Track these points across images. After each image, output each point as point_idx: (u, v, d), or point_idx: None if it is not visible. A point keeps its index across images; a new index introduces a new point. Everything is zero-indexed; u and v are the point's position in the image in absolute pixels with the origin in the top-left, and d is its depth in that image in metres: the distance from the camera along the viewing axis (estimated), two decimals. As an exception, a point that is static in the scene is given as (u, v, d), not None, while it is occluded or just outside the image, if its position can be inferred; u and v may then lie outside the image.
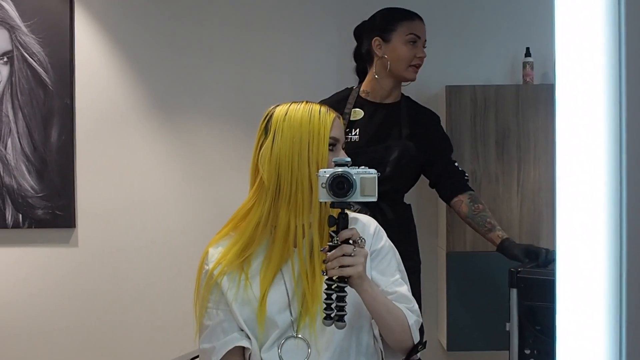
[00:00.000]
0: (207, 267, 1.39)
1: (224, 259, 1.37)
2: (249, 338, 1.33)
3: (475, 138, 2.59)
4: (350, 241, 1.22)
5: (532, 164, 2.58)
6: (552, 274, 1.23)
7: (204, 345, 1.37)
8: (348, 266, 1.21)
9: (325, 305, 1.22)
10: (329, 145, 1.35)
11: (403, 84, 2.20)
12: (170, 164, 2.81)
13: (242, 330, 1.34)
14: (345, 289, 1.22)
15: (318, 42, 2.83)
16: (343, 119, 2.12)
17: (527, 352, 1.31)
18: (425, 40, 2.16)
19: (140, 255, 2.80)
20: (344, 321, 1.22)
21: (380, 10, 2.19)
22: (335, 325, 1.22)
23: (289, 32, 2.83)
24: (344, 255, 1.21)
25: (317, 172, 1.27)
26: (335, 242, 1.22)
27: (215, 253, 1.40)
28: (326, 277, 1.23)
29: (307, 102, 1.40)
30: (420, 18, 2.16)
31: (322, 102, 2.20)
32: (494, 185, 2.59)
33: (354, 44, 2.28)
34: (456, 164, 2.21)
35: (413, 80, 2.16)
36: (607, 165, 0.50)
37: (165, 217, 2.81)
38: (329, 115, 1.37)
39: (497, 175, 2.59)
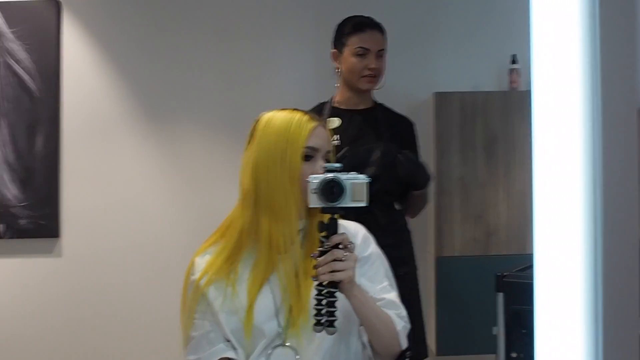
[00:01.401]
0: (193, 277, 1.37)
1: (210, 268, 1.36)
2: (236, 349, 1.32)
3: (463, 144, 2.62)
4: (341, 246, 1.22)
5: (519, 169, 2.61)
6: (537, 277, 1.24)
7: (189, 356, 1.35)
8: (339, 271, 1.21)
9: (315, 311, 1.22)
10: (306, 155, 1.33)
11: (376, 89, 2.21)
12: (157, 172, 2.80)
13: (229, 340, 1.32)
14: (335, 294, 1.23)
15: (307, 48, 2.84)
16: None
17: (514, 355, 1.32)
18: (382, 50, 2.14)
19: (126, 265, 2.77)
20: (335, 327, 1.21)
21: (340, 22, 2.21)
22: (326, 331, 1.22)
23: (280, 39, 2.84)
24: (334, 260, 1.21)
25: (296, 181, 1.29)
26: (326, 247, 1.22)
27: (201, 262, 1.38)
28: (316, 282, 1.23)
29: (293, 109, 1.39)
30: (374, 27, 2.15)
31: None
32: (481, 190, 2.61)
33: None
34: None
35: (367, 90, 2.16)
36: (583, 170, 0.51)
37: (152, 226, 2.79)
38: (308, 124, 1.34)
39: (484, 181, 2.61)
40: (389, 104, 2.83)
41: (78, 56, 2.79)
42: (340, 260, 1.21)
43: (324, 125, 1.39)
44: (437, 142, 2.62)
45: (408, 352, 1.39)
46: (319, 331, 1.22)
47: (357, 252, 1.38)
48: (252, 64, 2.81)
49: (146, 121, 2.80)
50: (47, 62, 2.75)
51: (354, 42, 2.11)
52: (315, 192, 1.22)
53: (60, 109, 2.76)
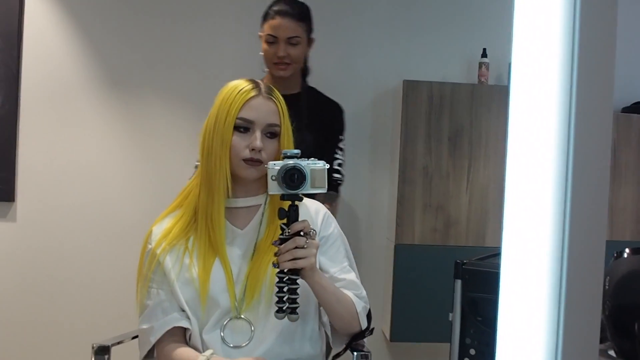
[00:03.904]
0: (150, 246, 1.36)
1: (167, 237, 1.35)
2: (190, 319, 1.31)
3: (429, 134, 2.63)
4: (302, 233, 1.22)
5: (483, 163, 2.64)
6: (496, 266, 1.26)
7: (143, 325, 1.34)
8: (300, 258, 1.20)
9: (277, 299, 1.22)
10: (241, 127, 1.30)
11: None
12: (117, 140, 2.74)
13: (184, 310, 1.31)
14: (297, 281, 1.22)
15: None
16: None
17: (468, 341, 1.35)
18: (293, 37, 2.07)
19: (82, 232, 2.72)
20: (297, 313, 1.22)
21: None
22: (288, 318, 1.22)
23: (245, 14, 2.80)
24: (296, 247, 1.20)
25: (225, 151, 1.28)
26: (287, 234, 1.21)
27: (158, 232, 1.37)
28: (278, 270, 1.22)
29: (248, 79, 1.36)
30: (285, 15, 2.08)
31: None
32: (444, 181, 2.64)
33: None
34: (338, 158, 2.18)
35: (281, 76, 2.11)
36: (555, 166, 0.51)
37: (109, 193, 2.74)
38: (245, 94, 1.31)
39: (448, 172, 2.64)
40: (358, 89, 2.84)
41: (41, 17, 2.69)
42: (302, 248, 1.20)
43: (270, 97, 1.34)
44: (403, 130, 2.63)
45: (367, 332, 1.40)
46: (281, 318, 1.22)
47: (318, 231, 1.38)
48: (216, 39, 2.76)
49: (108, 89, 2.73)
50: (8, 22, 2.65)
51: (265, 30, 2.09)
52: (275, 179, 1.21)
53: (20, 71, 2.67)
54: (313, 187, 1.22)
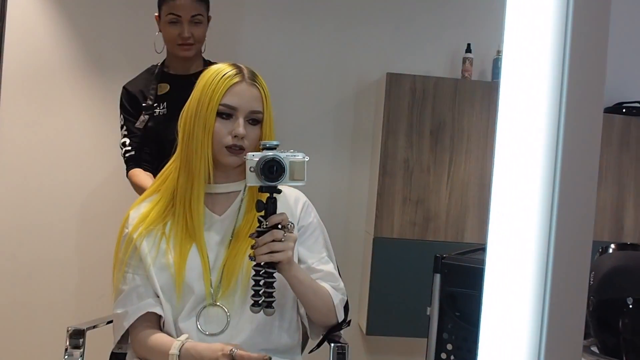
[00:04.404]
0: (127, 231, 1.33)
1: (144, 221, 1.32)
2: (163, 305, 1.28)
3: (411, 127, 2.62)
4: (280, 226, 1.19)
5: (464, 158, 2.64)
6: (477, 262, 1.25)
7: (117, 309, 1.31)
8: (277, 252, 1.18)
9: (253, 292, 1.19)
10: (224, 113, 1.28)
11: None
12: (100, 122, 2.68)
13: (159, 297, 1.29)
14: (273, 274, 1.20)
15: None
16: (149, 94, 2.07)
17: (446, 336, 1.34)
18: (196, 16, 2.02)
19: (63, 214, 2.67)
20: (273, 307, 1.19)
21: None
22: (263, 312, 1.19)
23: None
24: (273, 241, 1.17)
25: (207, 137, 1.25)
26: (265, 227, 1.18)
27: (136, 216, 1.34)
28: (254, 263, 1.19)
29: (231, 63, 1.33)
30: None
31: (131, 81, 2.14)
32: (425, 175, 2.63)
33: None
34: None
35: (185, 57, 2.07)
36: (543, 161, 0.50)
37: (93, 176, 2.68)
38: (229, 80, 1.28)
39: (429, 166, 2.63)
40: (341, 81, 2.81)
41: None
42: (280, 241, 1.18)
43: (254, 83, 1.31)
44: (385, 122, 2.61)
45: (345, 324, 1.39)
46: (257, 312, 1.20)
47: (297, 220, 1.35)
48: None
49: (91, 71, 2.68)
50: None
51: (165, 10, 2.04)
52: (253, 171, 1.18)
53: (2, 53, 2.60)
54: (292, 179, 1.20)
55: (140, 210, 1.35)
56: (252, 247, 1.19)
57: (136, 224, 1.32)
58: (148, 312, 1.28)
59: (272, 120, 1.34)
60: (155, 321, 1.30)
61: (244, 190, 1.36)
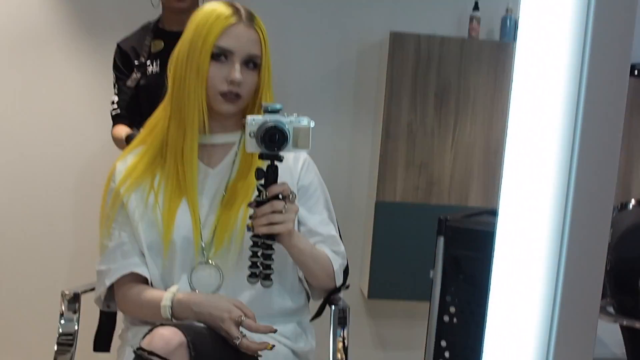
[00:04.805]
0: (113, 184, 1.26)
1: (131, 174, 1.24)
2: (148, 266, 1.22)
3: (415, 89, 2.55)
4: (281, 196, 1.13)
5: (469, 121, 2.58)
6: (483, 224, 1.22)
7: (100, 266, 1.26)
8: (277, 223, 1.11)
9: (250, 263, 1.14)
10: (218, 55, 1.19)
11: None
12: (95, 86, 2.62)
13: (144, 255, 1.23)
14: (272, 246, 1.14)
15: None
16: (143, 51, 2.01)
17: (449, 299, 1.32)
18: None
19: (55, 180, 2.64)
20: (271, 279, 1.14)
21: None
22: (261, 284, 1.14)
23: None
24: (273, 212, 1.11)
25: (201, 83, 1.17)
26: (264, 196, 1.12)
27: (122, 169, 1.27)
28: (252, 234, 1.13)
29: (227, 2, 1.23)
30: None
31: (124, 38, 2.08)
32: (429, 138, 2.57)
33: None
34: None
35: (179, 9, 1.98)
36: (561, 123, 0.45)
37: (85, 142, 2.64)
38: (224, 21, 1.18)
39: (433, 129, 2.57)
40: (343, 41, 2.73)
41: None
42: (279, 213, 1.11)
43: (252, 24, 1.22)
44: (388, 84, 2.54)
45: (344, 287, 1.36)
46: (254, 283, 1.15)
47: (296, 179, 1.30)
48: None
49: (80, 34, 2.60)
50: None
51: None
52: (253, 137, 1.11)
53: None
54: (295, 147, 1.12)
55: (127, 162, 1.27)
56: (250, 217, 1.13)
57: (123, 177, 1.25)
58: (132, 272, 1.22)
59: (271, 66, 1.25)
60: (141, 280, 1.24)
61: (240, 141, 1.28)
